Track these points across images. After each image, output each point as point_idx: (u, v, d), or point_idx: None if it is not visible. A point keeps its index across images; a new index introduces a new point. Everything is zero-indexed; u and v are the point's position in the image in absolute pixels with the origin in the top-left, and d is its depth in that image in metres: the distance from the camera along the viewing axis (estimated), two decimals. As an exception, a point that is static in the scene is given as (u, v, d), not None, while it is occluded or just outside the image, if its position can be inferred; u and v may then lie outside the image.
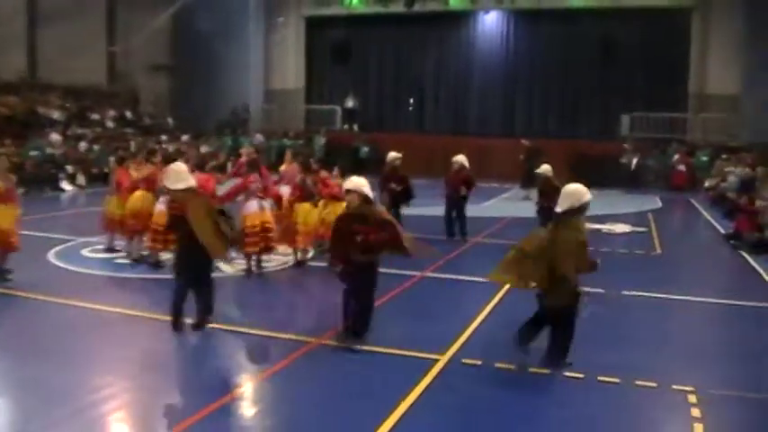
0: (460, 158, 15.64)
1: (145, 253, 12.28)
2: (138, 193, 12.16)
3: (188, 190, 8.51)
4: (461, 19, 33.68)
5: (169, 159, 12.64)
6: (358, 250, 7.74)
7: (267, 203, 11.76)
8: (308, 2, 35.23)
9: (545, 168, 15.00)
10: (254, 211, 11.34)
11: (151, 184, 11.99)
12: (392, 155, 15.48)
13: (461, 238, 15.13)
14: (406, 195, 15.01)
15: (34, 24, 30.15)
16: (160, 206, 11.35)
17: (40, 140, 25.91)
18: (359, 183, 7.94)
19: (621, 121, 29.77)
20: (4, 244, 10.74)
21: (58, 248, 13.45)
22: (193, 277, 8.46)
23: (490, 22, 33.28)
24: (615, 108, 30.14)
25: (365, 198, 7.90)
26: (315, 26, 35.93)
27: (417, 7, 31.40)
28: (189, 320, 8.49)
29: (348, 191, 7.98)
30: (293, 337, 8.23)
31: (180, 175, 8.57)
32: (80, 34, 31.14)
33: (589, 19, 30.41)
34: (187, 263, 8.44)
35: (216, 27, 33.61)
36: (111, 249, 13.11)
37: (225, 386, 7.01)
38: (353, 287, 7.91)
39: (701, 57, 29.07)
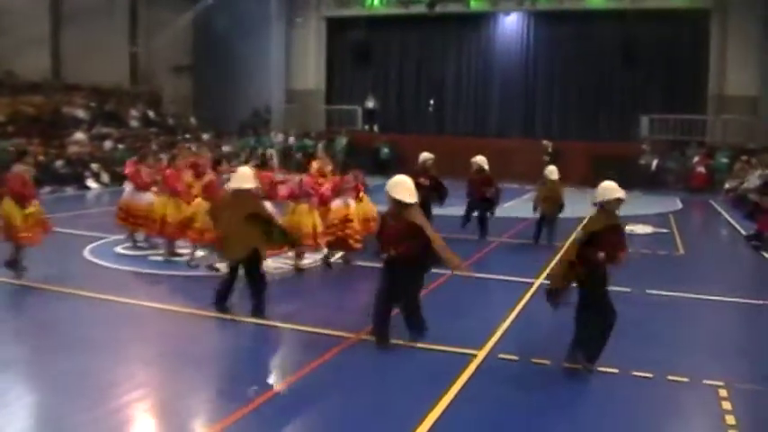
0: (479, 159, 15.86)
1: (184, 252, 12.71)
2: (198, 201, 12.28)
3: (251, 190, 9.15)
4: (482, 20, 33.80)
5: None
6: (384, 247, 8.06)
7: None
8: (329, 2, 35.43)
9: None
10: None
11: (211, 191, 12.04)
12: (425, 155, 15.54)
13: (481, 239, 15.40)
14: (439, 195, 15.17)
15: (58, 25, 30.48)
16: None
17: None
18: (395, 188, 8.12)
19: (641, 122, 29.89)
20: (14, 238, 11.08)
21: (92, 246, 13.78)
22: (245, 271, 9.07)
23: (510, 23, 33.39)
24: (635, 109, 30.22)
25: (397, 202, 8.09)
26: (335, 27, 36.12)
27: (438, 8, 31.67)
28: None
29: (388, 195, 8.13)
30: (333, 332, 8.51)
31: (246, 177, 9.14)
32: (103, 35, 31.50)
33: (609, 20, 30.44)
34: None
35: (237, 28, 34.01)
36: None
37: (266, 381, 7.34)
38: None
39: (720, 58, 29.07)
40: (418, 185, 14.84)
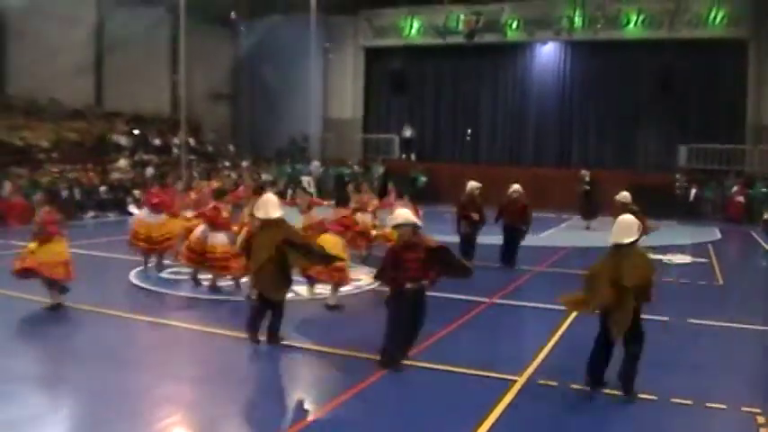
0: (519, 187, 15.97)
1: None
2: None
3: (279, 219, 9.11)
4: (518, 50, 34.06)
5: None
6: (408, 279, 8.07)
7: None
8: (367, 33, 35.89)
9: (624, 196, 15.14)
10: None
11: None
12: (472, 184, 15.66)
13: (509, 266, 15.45)
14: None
15: (101, 54, 31.20)
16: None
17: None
18: (408, 215, 8.28)
19: (679, 152, 29.82)
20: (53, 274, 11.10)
21: (136, 270, 14.06)
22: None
23: (547, 53, 33.62)
24: (672, 139, 30.20)
25: (415, 227, 8.24)
26: (373, 56, 36.60)
27: (475, 39, 31.98)
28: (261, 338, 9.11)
29: (399, 225, 8.23)
30: (373, 356, 8.62)
31: (272, 205, 9.15)
32: (144, 63, 32.25)
33: (645, 50, 30.45)
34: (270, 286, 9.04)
35: (276, 56, 34.49)
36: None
37: (307, 405, 7.44)
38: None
39: (758, 88, 29.00)
40: (469, 220, 15.12)
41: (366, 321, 10.86)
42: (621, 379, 7.47)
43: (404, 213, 8.35)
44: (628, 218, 7.73)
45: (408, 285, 8.05)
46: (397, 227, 8.30)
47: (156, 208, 14.01)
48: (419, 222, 8.33)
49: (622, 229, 7.56)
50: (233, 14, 35.03)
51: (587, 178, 24.84)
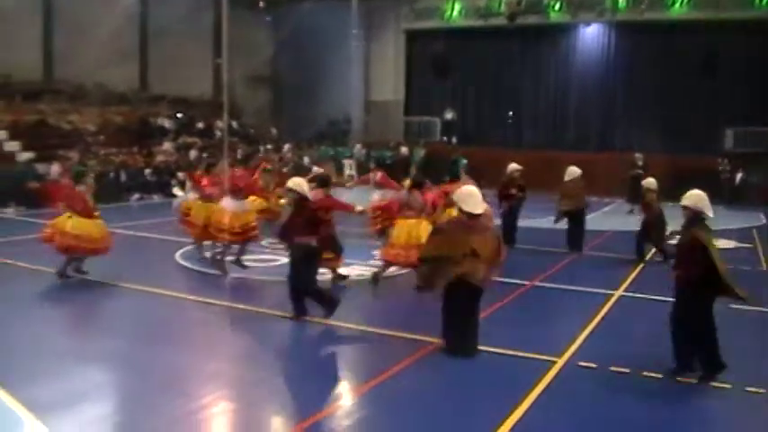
0: (577, 169, 15.95)
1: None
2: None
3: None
4: (561, 32, 33.74)
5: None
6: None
7: None
8: (409, 15, 35.84)
9: (649, 182, 15.10)
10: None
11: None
12: (513, 166, 15.73)
13: (576, 251, 15.52)
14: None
15: (145, 39, 31.62)
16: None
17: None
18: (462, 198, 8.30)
19: (725, 135, 29.42)
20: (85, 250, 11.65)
21: (182, 250, 14.31)
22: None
23: (590, 34, 33.28)
24: (718, 122, 29.74)
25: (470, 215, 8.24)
26: (414, 39, 36.53)
27: (518, 20, 31.77)
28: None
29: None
30: (416, 336, 8.74)
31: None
32: (187, 48, 32.65)
33: (691, 31, 29.98)
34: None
35: (317, 39, 34.58)
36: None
37: (352, 383, 7.59)
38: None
39: (806, 70, 28.52)
40: (511, 197, 15.20)
41: (409, 302, 10.99)
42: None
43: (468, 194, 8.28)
44: None
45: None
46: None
47: (238, 192, 12.99)
48: (476, 211, 8.22)
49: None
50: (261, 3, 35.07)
51: (640, 162, 24.62)
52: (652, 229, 14.44)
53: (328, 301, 9.44)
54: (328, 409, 6.69)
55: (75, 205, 11.57)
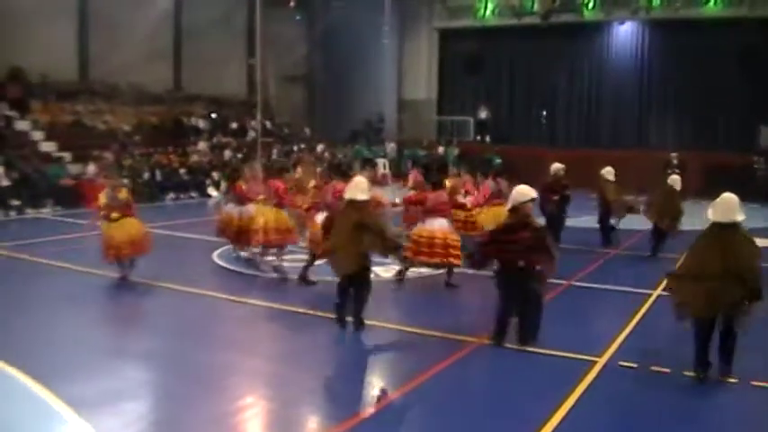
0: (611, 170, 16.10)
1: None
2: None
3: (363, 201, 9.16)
4: (595, 30, 33.38)
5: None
6: (517, 258, 8.21)
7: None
8: (442, 14, 35.78)
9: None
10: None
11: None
12: (556, 165, 15.77)
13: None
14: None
15: (179, 39, 31.85)
16: None
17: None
18: (531, 189, 8.44)
19: (761, 132, 29.07)
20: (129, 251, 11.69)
21: (219, 250, 14.43)
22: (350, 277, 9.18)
23: (624, 32, 32.97)
24: (753, 119, 29.32)
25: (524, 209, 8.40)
26: (447, 38, 36.43)
27: (552, 19, 31.61)
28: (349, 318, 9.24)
29: (532, 199, 8.45)
30: (454, 336, 8.77)
31: (359, 187, 9.17)
32: (221, 47, 32.81)
33: (726, 28, 29.56)
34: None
35: (350, 38, 34.58)
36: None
37: (391, 382, 7.61)
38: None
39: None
40: (559, 198, 15.24)
41: (447, 302, 11.02)
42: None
43: (528, 188, 8.49)
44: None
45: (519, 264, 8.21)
46: (524, 203, 8.39)
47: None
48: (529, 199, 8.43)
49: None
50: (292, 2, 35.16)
51: (675, 161, 24.42)
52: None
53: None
54: (367, 410, 6.73)
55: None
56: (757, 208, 22.74)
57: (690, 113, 31.37)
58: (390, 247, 9.38)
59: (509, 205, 8.60)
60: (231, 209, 13.77)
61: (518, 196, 8.39)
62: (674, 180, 15.25)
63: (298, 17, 36.85)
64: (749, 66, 28.64)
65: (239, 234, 13.34)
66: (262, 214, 12.41)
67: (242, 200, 13.56)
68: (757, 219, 20.01)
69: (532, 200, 8.42)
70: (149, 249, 11.93)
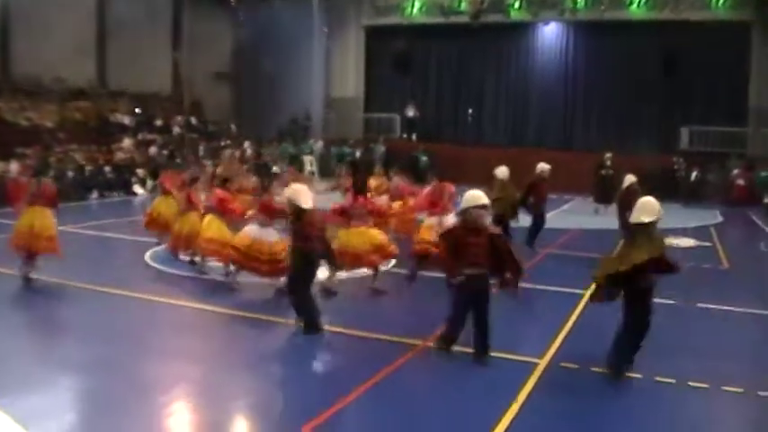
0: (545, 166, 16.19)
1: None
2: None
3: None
4: (521, 30, 33.85)
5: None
6: (469, 265, 8.03)
7: None
8: (369, 11, 35.78)
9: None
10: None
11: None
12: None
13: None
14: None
15: (103, 34, 31.17)
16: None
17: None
18: (483, 195, 8.22)
19: (681, 134, 29.91)
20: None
21: (151, 251, 14.17)
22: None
23: (550, 33, 33.51)
24: (674, 121, 30.24)
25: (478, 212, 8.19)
26: (375, 36, 36.43)
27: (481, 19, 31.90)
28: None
29: (484, 206, 8.19)
30: (399, 339, 8.81)
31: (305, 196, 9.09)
32: (146, 43, 32.26)
33: (649, 31, 30.21)
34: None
35: (277, 36, 34.30)
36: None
37: (334, 389, 7.36)
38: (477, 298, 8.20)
39: (761, 71, 28.92)
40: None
41: (391, 304, 11.04)
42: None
43: (479, 193, 8.20)
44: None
45: (468, 271, 8.03)
46: (474, 208, 8.11)
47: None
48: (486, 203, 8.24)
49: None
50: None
51: (609, 162, 24.93)
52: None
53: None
54: (317, 419, 6.58)
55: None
56: (678, 208, 23.44)
57: (614, 114, 32.00)
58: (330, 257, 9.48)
59: (459, 208, 8.56)
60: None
61: (467, 201, 8.17)
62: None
63: (226, 13, 36.43)
64: (672, 68, 29.28)
65: (178, 239, 12.95)
66: (209, 227, 11.98)
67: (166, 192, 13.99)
68: (678, 219, 20.63)
69: (483, 206, 8.17)
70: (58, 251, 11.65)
